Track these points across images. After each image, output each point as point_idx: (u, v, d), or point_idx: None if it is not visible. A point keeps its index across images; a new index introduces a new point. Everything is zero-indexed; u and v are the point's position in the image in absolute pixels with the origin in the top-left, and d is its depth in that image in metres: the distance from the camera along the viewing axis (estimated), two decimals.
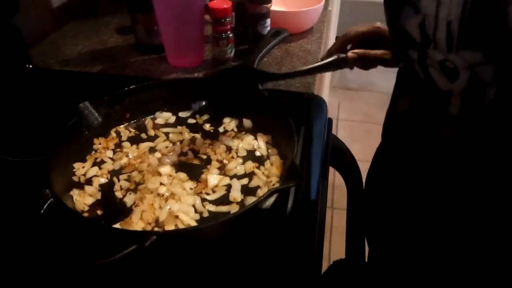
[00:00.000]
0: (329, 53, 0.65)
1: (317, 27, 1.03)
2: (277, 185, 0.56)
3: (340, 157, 0.78)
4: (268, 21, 0.89)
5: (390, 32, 0.47)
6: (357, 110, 2.62)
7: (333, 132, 2.72)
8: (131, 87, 0.68)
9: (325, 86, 1.91)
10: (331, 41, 1.59)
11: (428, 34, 0.37)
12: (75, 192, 0.56)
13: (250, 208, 0.48)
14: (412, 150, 0.51)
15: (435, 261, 0.50)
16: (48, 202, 0.48)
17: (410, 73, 0.45)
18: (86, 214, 0.54)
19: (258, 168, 0.61)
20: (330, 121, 0.79)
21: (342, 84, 2.86)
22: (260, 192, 0.56)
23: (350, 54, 0.63)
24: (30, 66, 0.86)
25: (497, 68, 0.33)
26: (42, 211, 0.47)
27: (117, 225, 0.51)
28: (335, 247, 1.74)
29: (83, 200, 0.55)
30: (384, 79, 2.85)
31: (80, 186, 0.58)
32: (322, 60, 0.65)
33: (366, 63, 0.65)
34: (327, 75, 1.95)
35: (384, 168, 0.59)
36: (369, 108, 2.62)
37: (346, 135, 2.40)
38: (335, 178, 1.51)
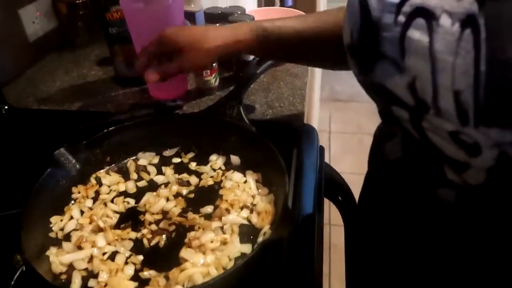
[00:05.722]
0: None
1: None
2: (268, 230, 0.52)
3: (334, 187, 0.74)
4: None
5: (360, 83, 0.40)
6: (348, 121, 2.60)
7: (326, 145, 2.68)
8: (110, 129, 0.65)
9: (316, 100, 1.88)
10: None
11: (423, 99, 0.31)
12: (52, 251, 0.52)
13: (244, 263, 0.45)
14: (404, 202, 0.46)
15: None
16: (20, 270, 0.44)
17: (396, 123, 0.38)
18: (64, 277, 0.49)
19: (249, 209, 0.57)
20: (322, 149, 0.75)
21: (331, 96, 2.85)
22: (253, 240, 0.53)
23: (150, 77, 0.63)
24: (6, 108, 0.82)
25: None
26: (12, 282, 0.43)
27: None
28: (335, 264, 1.70)
29: (60, 259, 0.51)
30: None
31: (58, 243, 0.54)
32: None
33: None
34: (317, 89, 1.92)
35: (373, 204, 0.55)
36: (359, 118, 2.60)
37: (339, 147, 2.37)
38: None
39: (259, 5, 1.34)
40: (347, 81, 2.95)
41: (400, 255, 0.48)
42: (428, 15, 0.29)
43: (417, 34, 0.30)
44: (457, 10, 0.27)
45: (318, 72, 1.78)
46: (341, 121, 2.62)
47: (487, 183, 0.31)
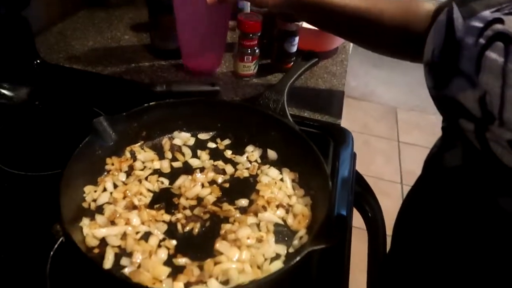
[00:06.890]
0: None
1: (341, 47, 0.99)
2: (305, 235, 0.52)
3: (361, 195, 0.74)
4: (297, 39, 0.84)
5: (432, 97, 0.44)
6: (356, 120, 2.59)
7: None
8: (150, 103, 0.63)
9: None
10: (354, 63, 1.54)
11: (491, 111, 0.35)
12: (84, 223, 0.51)
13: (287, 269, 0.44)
14: (461, 208, 0.47)
15: None
16: (60, 240, 0.43)
17: (459, 135, 0.42)
18: (96, 251, 0.49)
19: (284, 209, 0.56)
20: (354, 155, 0.75)
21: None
22: (288, 242, 0.52)
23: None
24: (38, 62, 0.80)
25: None
26: (52, 252, 0.42)
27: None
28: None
29: (94, 232, 0.50)
30: (386, 90, 2.83)
31: (90, 214, 0.53)
32: None
33: None
34: None
35: (423, 208, 0.56)
36: (368, 118, 2.59)
37: None
38: None
39: None
40: (361, 78, 2.92)
41: (450, 260, 0.49)
42: (507, 40, 0.34)
43: (494, 55, 0.35)
44: None
45: None
46: (349, 118, 2.61)
47: None
